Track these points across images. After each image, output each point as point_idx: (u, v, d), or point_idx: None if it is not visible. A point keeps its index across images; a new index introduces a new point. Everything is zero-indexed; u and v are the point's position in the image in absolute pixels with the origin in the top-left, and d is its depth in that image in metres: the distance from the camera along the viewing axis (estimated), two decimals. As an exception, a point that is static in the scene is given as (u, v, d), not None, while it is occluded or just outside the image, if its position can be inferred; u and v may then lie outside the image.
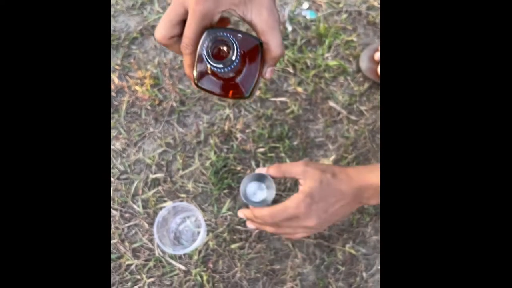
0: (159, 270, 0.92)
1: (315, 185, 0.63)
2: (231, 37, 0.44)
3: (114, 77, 1.02)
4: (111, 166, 0.97)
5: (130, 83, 1.02)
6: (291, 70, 1.05)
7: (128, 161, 0.98)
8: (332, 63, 1.06)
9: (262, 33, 0.47)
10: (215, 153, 0.99)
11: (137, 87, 1.01)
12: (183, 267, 0.92)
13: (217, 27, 0.48)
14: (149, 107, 1.01)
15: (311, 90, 1.04)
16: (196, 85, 0.50)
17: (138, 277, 0.91)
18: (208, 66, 0.45)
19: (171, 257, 0.93)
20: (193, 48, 0.47)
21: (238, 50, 0.43)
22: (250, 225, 0.70)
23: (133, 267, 0.92)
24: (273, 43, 0.47)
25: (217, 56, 0.45)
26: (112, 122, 1.00)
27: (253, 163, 0.98)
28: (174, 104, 1.01)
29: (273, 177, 0.69)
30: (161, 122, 1.00)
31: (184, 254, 0.93)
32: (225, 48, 0.45)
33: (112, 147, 0.98)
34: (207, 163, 0.98)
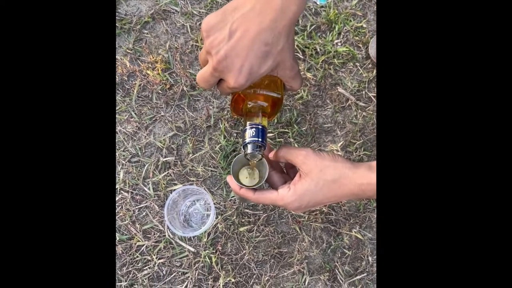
0: (169, 252, 0.90)
1: (310, 187, 0.56)
2: (262, 143, 0.56)
3: (126, 61, 0.99)
4: (123, 149, 0.95)
5: (141, 67, 0.99)
6: (300, 55, 1.01)
7: (139, 144, 0.95)
8: (341, 49, 1.02)
9: (286, 82, 0.55)
10: (224, 137, 0.96)
11: (148, 71, 0.98)
12: (192, 249, 0.90)
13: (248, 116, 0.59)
14: (160, 91, 0.98)
15: (320, 76, 1.00)
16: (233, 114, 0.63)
17: (149, 258, 0.90)
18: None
19: (181, 239, 0.91)
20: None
21: (264, 149, 0.57)
22: (229, 182, 0.63)
23: (143, 248, 0.90)
24: (295, 86, 0.56)
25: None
26: (124, 105, 0.97)
27: (262, 147, 0.95)
28: (185, 88, 0.98)
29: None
30: (172, 106, 0.97)
31: (194, 236, 0.91)
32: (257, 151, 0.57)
33: (123, 130, 0.96)
34: (217, 147, 0.95)
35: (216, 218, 0.92)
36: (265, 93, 0.56)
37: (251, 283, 0.90)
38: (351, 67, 1.02)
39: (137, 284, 0.88)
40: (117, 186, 0.93)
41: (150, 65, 0.99)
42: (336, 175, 0.56)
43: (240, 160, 0.62)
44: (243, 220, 0.92)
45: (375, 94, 1.00)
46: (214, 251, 0.90)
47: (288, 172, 0.65)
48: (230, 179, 0.61)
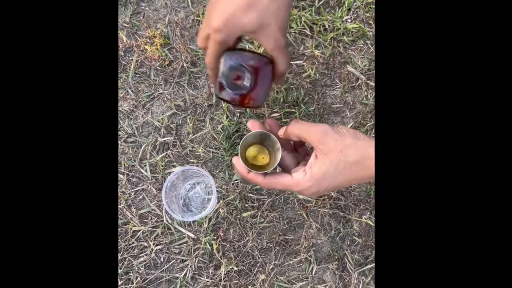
0: (167, 238, 0.82)
1: (329, 170, 0.48)
2: (244, 65, 0.51)
3: (123, 35, 0.91)
4: (118, 128, 0.87)
5: (139, 42, 0.91)
6: (308, 32, 0.94)
7: (136, 123, 0.88)
8: (351, 26, 0.95)
9: (271, 53, 0.51)
10: (227, 117, 0.88)
11: (146, 47, 0.90)
12: (192, 235, 0.83)
13: (234, 49, 0.52)
14: (158, 68, 0.90)
15: (328, 53, 0.93)
16: (217, 96, 0.55)
17: (145, 244, 0.82)
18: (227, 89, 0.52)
19: (180, 224, 0.83)
20: (213, 66, 0.52)
21: (251, 75, 0.51)
22: (235, 164, 0.54)
23: (140, 233, 0.83)
24: (279, 61, 0.52)
25: (234, 78, 0.51)
26: (120, 82, 0.89)
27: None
28: (185, 65, 0.90)
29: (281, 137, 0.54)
30: (171, 83, 0.90)
31: (194, 222, 0.83)
32: (239, 73, 0.51)
33: (119, 108, 0.88)
34: (219, 128, 0.88)
35: (218, 202, 0.84)
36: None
37: (254, 272, 0.82)
38: (361, 45, 0.95)
39: (132, 272, 0.81)
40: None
41: (148, 40, 0.91)
42: (358, 156, 0.48)
43: (248, 140, 0.53)
44: (246, 205, 0.85)
45: (386, 74, 0.93)
46: (215, 237, 0.83)
47: (298, 150, 0.57)
48: (236, 161, 0.52)
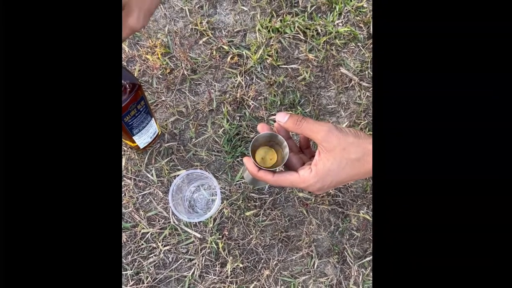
0: (174, 238, 0.84)
1: (332, 167, 0.51)
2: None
3: (125, 46, 0.93)
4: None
5: (140, 52, 0.93)
6: (302, 36, 0.96)
7: (141, 130, 0.89)
8: (342, 29, 0.97)
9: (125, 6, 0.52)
10: (227, 121, 0.90)
11: (148, 56, 0.92)
12: (198, 235, 0.85)
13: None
14: (160, 76, 0.92)
15: (322, 57, 0.95)
16: None
17: (154, 245, 0.84)
18: None
19: (186, 225, 0.85)
20: None
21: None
22: (246, 163, 0.56)
23: (148, 235, 0.84)
24: (132, 21, 0.52)
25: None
26: (123, 91, 0.91)
27: (266, 130, 0.90)
28: (186, 72, 0.92)
29: (287, 131, 0.56)
30: (173, 90, 0.92)
31: (199, 222, 0.85)
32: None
33: (124, 116, 0.90)
34: (220, 131, 0.90)
35: (222, 203, 0.86)
36: None
37: (259, 268, 0.84)
38: (353, 47, 0.97)
39: (143, 272, 0.83)
40: (119, 174, 0.87)
41: (149, 50, 0.93)
42: (359, 153, 0.50)
43: (258, 141, 0.56)
44: (249, 205, 0.87)
45: (378, 74, 0.95)
46: (220, 236, 0.85)
47: (304, 152, 0.60)
48: (247, 161, 0.54)
